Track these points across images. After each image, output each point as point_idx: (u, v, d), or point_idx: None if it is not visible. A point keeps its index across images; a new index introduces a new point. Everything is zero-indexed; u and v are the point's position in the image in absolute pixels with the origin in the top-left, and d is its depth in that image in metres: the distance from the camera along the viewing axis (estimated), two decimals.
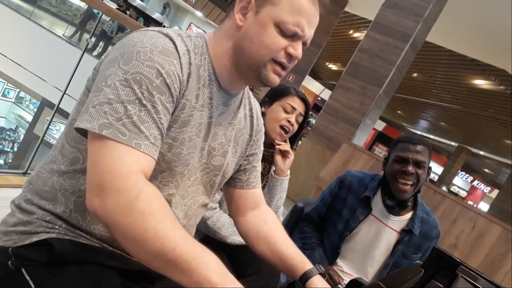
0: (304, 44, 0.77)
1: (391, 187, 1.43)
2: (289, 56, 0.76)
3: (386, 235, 1.46)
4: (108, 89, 0.65)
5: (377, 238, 1.46)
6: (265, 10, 0.74)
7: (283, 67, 0.77)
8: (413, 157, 1.37)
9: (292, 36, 0.75)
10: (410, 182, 1.38)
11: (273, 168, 1.44)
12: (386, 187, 1.47)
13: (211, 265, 0.58)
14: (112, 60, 0.68)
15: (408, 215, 1.47)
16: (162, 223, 0.59)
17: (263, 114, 1.41)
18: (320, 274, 0.86)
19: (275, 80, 0.78)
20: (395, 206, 1.44)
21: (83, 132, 0.67)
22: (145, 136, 0.65)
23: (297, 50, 0.75)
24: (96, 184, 0.62)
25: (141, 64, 0.66)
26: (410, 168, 1.37)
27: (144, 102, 0.65)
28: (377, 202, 1.48)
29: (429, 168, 1.43)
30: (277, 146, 1.39)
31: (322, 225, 1.60)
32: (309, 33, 0.76)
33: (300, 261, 0.87)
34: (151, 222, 0.59)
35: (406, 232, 1.44)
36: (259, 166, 1.00)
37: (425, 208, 1.51)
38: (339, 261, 1.51)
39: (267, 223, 0.94)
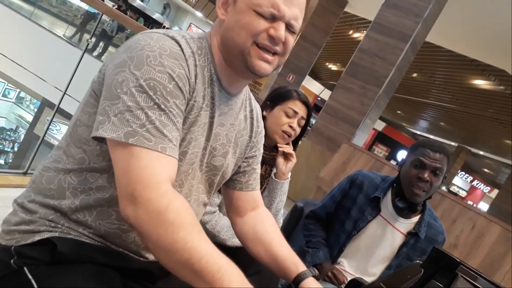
0: (289, 25, 0.75)
1: (405, 189, 1.43)
2: (272, 38, 0.74)
3: (392, 237, 1.46)
4: (125, 96, 0.66)
5: (382, 238, 1.46)
6: None
7: (268, 51, 0.75)
8: (431, 164, 1.37)
9: (272, 18, 0.74)
10: (424, 189, 1.38)
11: (274, 171, 1.43)
12: (397, 189, 1.47)
13: (233, 277, 0.60)
14: (121, 64, 0.68)
15: (415, 218, 1.47)
16: (190, 234, 0.61)
17: (264, 117, 1.40)
18: (314, 276, 0.85)
19: (264, 67, 0.76)
20: (405, 208, 1.44)
21: (100, 139, 0.68)
22: (168, 139, 0.67)
23: (278, 30, 0.73)
24: (129, 194, 0.63)
25: (152, 70, 0.67)
26: (426, 175, 1.37)
27: (163, 107, 0.67)
28: (387, 203, 1.48)
29: (445, 177, 1.42)
30: (280, 149, 1.38)
31: (329, 223, 1.60)
32: (289, 12, 0.74)
33: (294, 263, 0.86)
34: (180, 233, 0.61)
35: (412, 235, 1.44)
36: (258, 168, 1.01)
37: (432, 213, 1.51)
38: (342, 260, 1.51)
39: (263, 225, 0.94)
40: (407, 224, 1.46)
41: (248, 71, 0.77)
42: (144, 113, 0.65)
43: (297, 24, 0.76)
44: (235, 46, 0.75)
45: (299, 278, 0.84)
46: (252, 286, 0.61)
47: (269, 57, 0.76)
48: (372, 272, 1.47)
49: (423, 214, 1.47)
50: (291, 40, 0.77)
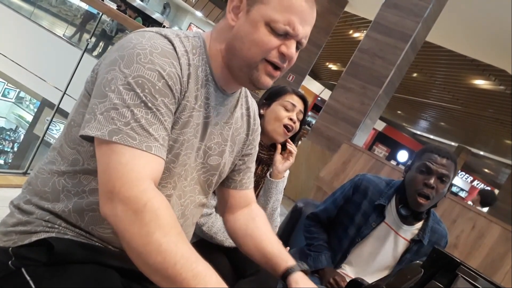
0: (299, 43, 0.75)
1: (408, 197, 1.40)
2: (282, 56, 0.74)
3: (395, 243, 1.44)
4: (112, 94, 0.64)
5: (386, 245, 1.44)
6: (255, 9, 0.72)
7: (275, 67, 0.75)
8: (438, 170, 1.34)
9: (285, 35, 0.73)
10: (429, 196, 1.34)
11: (270, 170, 1.41)
12: (402, 195, 1.44)
13: (211, 285, 0.57)
14: (112, 62, 0.67)
15: (419, 224, 1.45)
16: (166, 236, 0.59)
17: (262, 116, 1.39)
18: (303, 271, 0.83)
19: (267, 82, 0.76)
20: (409, 216, 1.42)
21: (89, 138, 0.67)
22: (154, 138, 0.66)
23: (290, 48, 0.73)
24: (108, 191, 0.62)
25: (142, 67, 0.66)
26: (432, 181, 1.33)
27: (149, 105, 0.65)
28: (391, 210, 1.45)
29: (451, 185, 1.39)
30: (288, 146, 1.38)
31: (330, 227, 1.58)
32: (302, 31, 0.73)
33: (283, 259, 0.85)
34: (155, 234, 0.58)
35: (415, 242, 1.42)
36: (253, 167, 1.00)
37: (436, 217, 1.49)
38: (344, 266, 1.49)
39: (254, 221, 0.93)
40: (410, 231, 1.44)
41: (249, 83, 0.77)
42: (130, 111, 0.64)
43: (306, 42, 0.76)
44: (242, 58, 0.74)
45: (286, 273, 0.82)
46: None
47: (274, 72, 0.75)
48: (375, 277, 1.44)
49: (427, 220, 1.45)
50: (296, 57, 0.77)
